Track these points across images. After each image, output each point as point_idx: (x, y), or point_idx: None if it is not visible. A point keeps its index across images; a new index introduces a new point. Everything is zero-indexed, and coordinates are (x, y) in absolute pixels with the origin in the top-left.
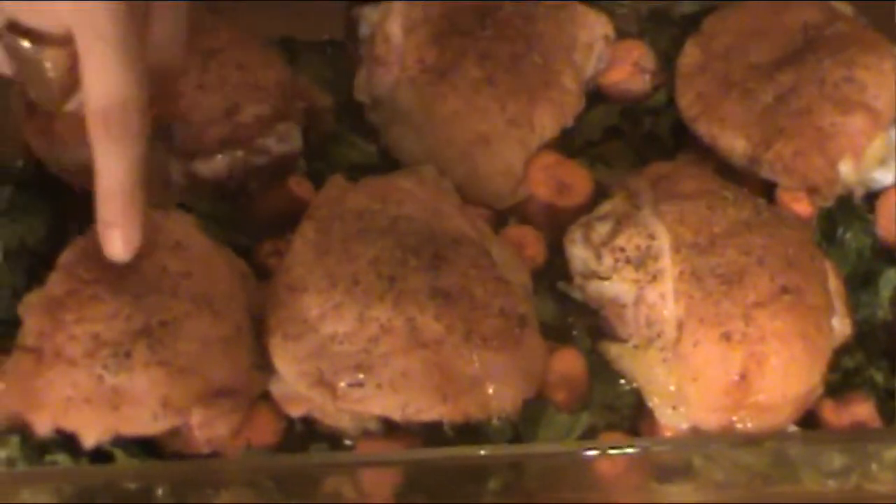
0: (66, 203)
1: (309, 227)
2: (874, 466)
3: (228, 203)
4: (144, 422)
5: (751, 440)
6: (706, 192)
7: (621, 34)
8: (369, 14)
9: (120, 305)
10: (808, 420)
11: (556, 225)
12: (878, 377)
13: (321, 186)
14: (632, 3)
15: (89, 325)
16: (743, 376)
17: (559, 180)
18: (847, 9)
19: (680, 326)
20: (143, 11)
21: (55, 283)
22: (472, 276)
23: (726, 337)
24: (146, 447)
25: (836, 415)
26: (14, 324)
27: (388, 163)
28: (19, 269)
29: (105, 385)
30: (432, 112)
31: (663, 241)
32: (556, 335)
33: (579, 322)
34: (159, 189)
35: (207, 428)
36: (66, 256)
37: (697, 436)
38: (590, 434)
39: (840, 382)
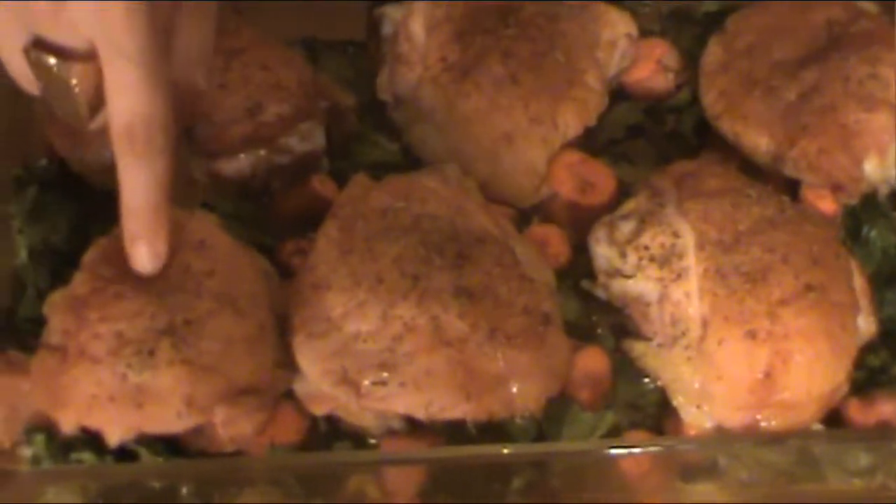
0: (90, 202)
1: (332, 225)
2: None
3: (252, 202)
4: (168, 420)
5: (776, 439)
6: (730, 189)
7: (644, 32)
8: (392, 13)
9: (144, 304)
10: (834, 418)
11: (580, 223)
12: None
13: (344, 185)
14: (655, 2)
15: (113, 324)
16: (768, 374)
17: (583, 179)
18: (871, 6)
19: (704, 324)
20: (166, 27)
21: (79, 282)
22: (496, 274)
23: (751, 335)
24: (170, 445)
25: (862, 413)
26: (39, 322)
27: (411, 161)
28: (43, 268)
29: (129, 383)
30: (455, 110)
31: (688, 239)
32: (580, 333)
33: (603, 320)
34: (183, 189)
35: (231, 426)
36: (89, 255)
37: (722, 434)
38: (614, 433)
39: (865, 381)
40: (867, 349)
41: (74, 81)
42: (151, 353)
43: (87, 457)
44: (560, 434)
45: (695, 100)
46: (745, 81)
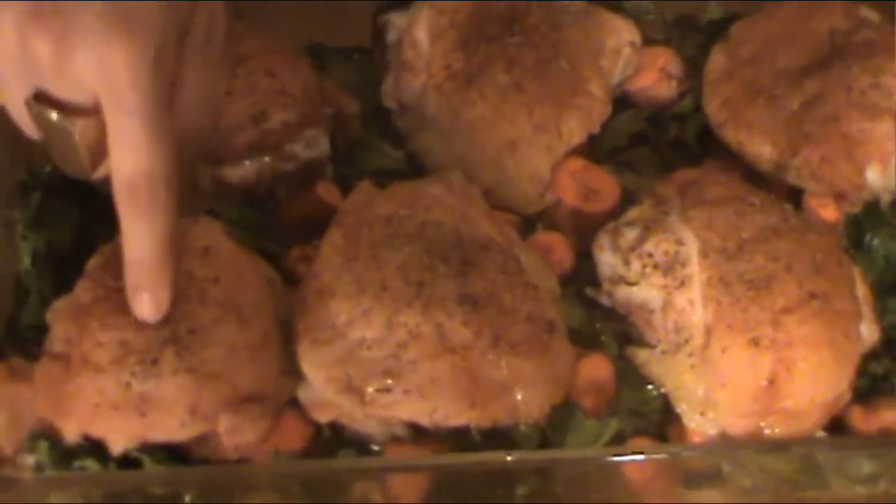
0: (94, 209)
1: (337, 232)
2: None
3: (256, 209)
4: (172, 428)
5: (779, 446)
6: (734, 197)
7: (648, 41)
8: (396, 20)
9: None
10: (837, 426)
11: (584, 231)
12: None
13: (349, 192)
14: (658, 10)
15: (117, 332)
16: (771, 382)
17: (586, 186)
18: (874, 15)
19: (708, 332)
20: (171, 80)
21: (83, 289)
22: (500, 281)
23: (754, 342)
24: (174, 454)
25: (865, 420)
26: (42, 330)
27: (416, 168)
28: (47, 274)
29: (133, 392)
30: (459, 118)
31: (691, 247)
32: (584, 341)
33: (607, 328)
34: (188, 195)
35: (235, 434)
36: (93, 263)
37: (725, 441)
38: (618, 440)
39: (868, 388)
40: (870, 357)
41: (77, 136)
42: (155, 361)
43: (90, 464)
44: (564, 441)
45: (698, 108)
46: (749, 90)
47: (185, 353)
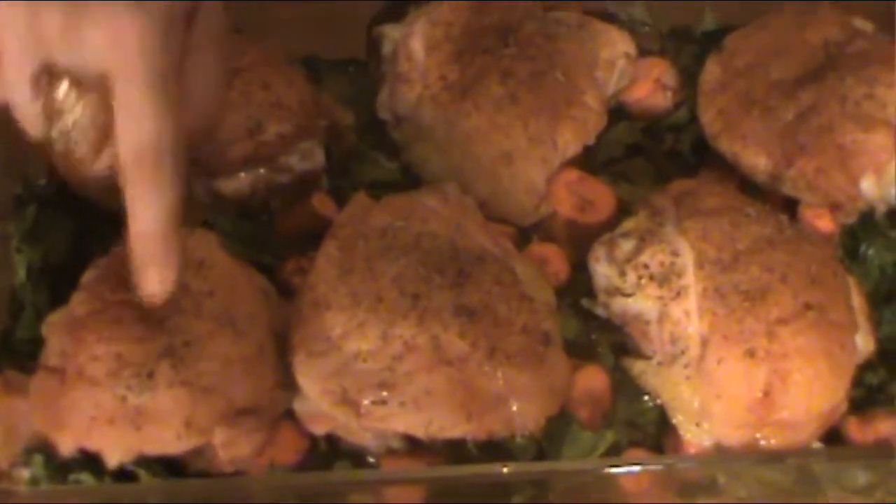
0: (89, 222)
1: (332, 244)
2: None
3: (252, 221)
4: (168, 441)
5: (775, 457)
6: (729, 208)
7: (643, 52)
8: (391, 32)
9: (143, 326)
10: (832, 437)
11: (580, 242)
12: None
13: (344, 204)
14: (653, 21)
15: (112, 346)
16: (767, 393)
17: (582, 197)
18: (868, 26)
19: (704, 343)
20: (179, 52)
21: (78, 302)
22: (496, 293)
23: (750, 354)
24: (170, 467)
25: (860, 431)
26: (37, 343)
27: (411, 180)
28: (42, 287)
29: (128, 405)
30: (455, 129)
31: (687, 258)
32: (579, 352)
33: (603, 339)
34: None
35: (231, 447)
36: (88, 276)
37: (721, 453)
38: (614, 451)
39: (864, 399)
40: (865, 367)
41: (82, 111)
42: (150, 374)
43: (85, 478)
44: (560, 452)
45: (693, 119)
46: (744, 101)
47: (180, 366)
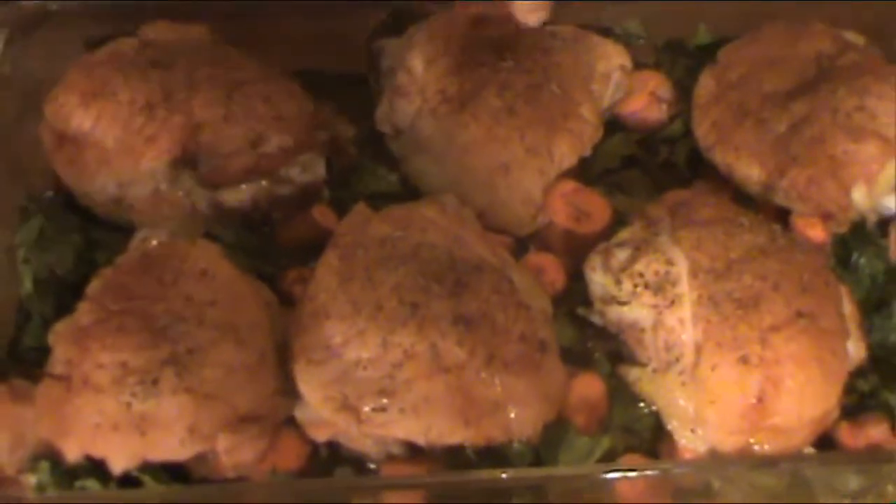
0: (94, 233)
1: (333, 254)
2: (890, 488)
3: (253, 232)
4: (172, 448)
5: (768, 462)
6: (722, 218)
7: (638, 65)
8: (390, 47)
9: (147, 334)
10: (825, 442)
11: (576, 252)
12: (893, 399)
13: (344, 215)
14: (648, 35)
15: (117, 354)
16: (760, 399)
17: (578, 208)
18: (859, 39)
19: (698, 350)
20: None
21: (83, 312)
22: (494, 302)
23: (743, 360)
24: (173, 473)
25: (852, 437)
26: (44, 351)
27: (410, 191)
28: (48, 297)
29: (133, 412)
30: (453, 141)
31: (681, 267)
32: (576, 359)
33: (599, 346)
34: (186, 219)
35: (234, 453)
36: (93, 286)
37: (716, 458)
38: (609, 456)
39: (855, 405)
40: (857, 374)
41: None
42: (155, 382)
43: (91, 484)
44: (557, 458)
45: (688, 131)
46: (737, 113)
47: (184, 374)
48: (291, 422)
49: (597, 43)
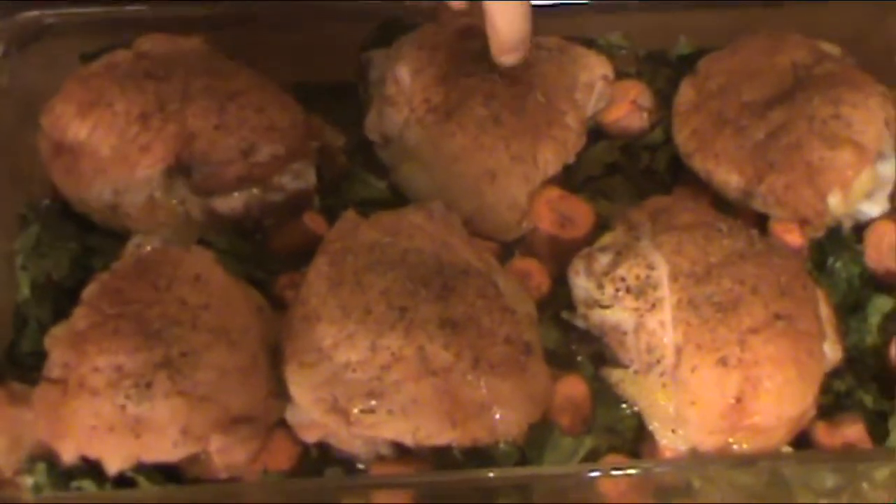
0: (90, 240)
1: (323, 260)
2: (865, 485)
3: (246, 238)
4: (165, 449)
5: (747, 461)
6: (702, 224)
7: (620, 75)
8: (379, 58)
9: (141, 338)
10: (802, 441)
11: (560, 256)
12: (868, 400)
13: (334, 222)
14: (630, 45)
15: (112, 357)
16: (739, 399)
17: (562, 214)
18: (835, 50)
19: (678, 352)
20: None
21: (79, 317)
22: (480, 306)
23: (722, 362)
24: (167, 473)
25: (829, 436)
26: (41, 356)
27: (398, 198)
28: (45, 302)
29: (127, 414)
30: (440, 149)
31: (662, 271)
32: (560, 362)
33: (582, 349)
34: (180, 226)
35: (226, 454)
36: (89, 291)
37: (696, 457)
38: (593, 456)
39: (831, 405)
40: (833, 375)
41: None
42: (149, 385)
43: (87, 485)
44: (542, 458)
45: (668, 138)
46: (716, 121)
47: (177, 377)
48: (283, 423)
49: (580, 54)
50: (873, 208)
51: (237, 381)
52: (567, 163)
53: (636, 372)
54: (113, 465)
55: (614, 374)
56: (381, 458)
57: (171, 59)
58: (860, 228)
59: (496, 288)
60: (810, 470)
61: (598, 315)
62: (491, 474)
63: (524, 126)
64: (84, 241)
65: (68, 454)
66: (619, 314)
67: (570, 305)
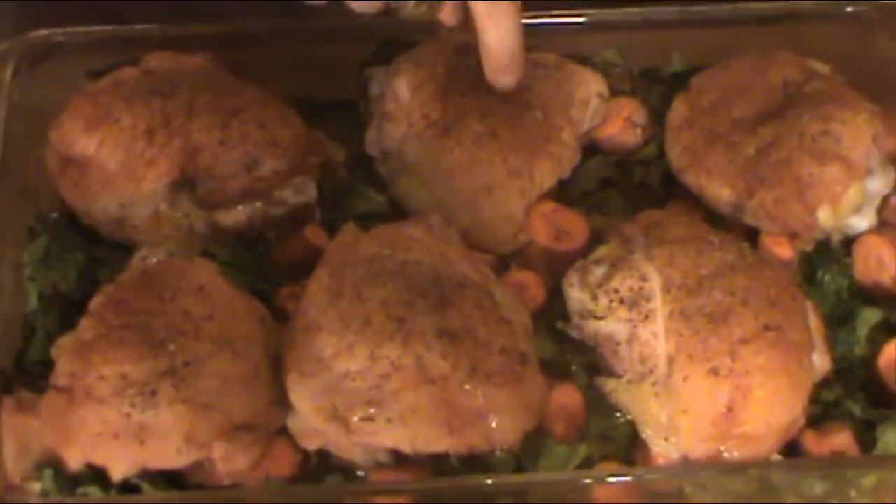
0: (97, 252)
1: (323, 272)
2: (853, 492)
3: (249, 251)
4: (169, 456)
5: (737, 468)
6: (694, 237)
7: (615, 92)
8: (379, 74)
9: (146, 347)
10: (791, 449)
11: (555, 269)
12: (856, 409)
13: (335, 234)
14: (625, 63)
15: (117, 367)
16: (730, 408)
17: (557, 227)
18: (824, 68)
19: (670, 362)
20: None
21: (86, 327)
22: (476, 316)
23: (714, 372)
24: (171, 480)
25: (817, 444)
26: (48, 365)
27: (397, 212)
28: (53, 313)
29: (132, 422)
30: (438, 164)
31: (654, 283)
32: (555, 371)
33: (577, 359)
34: (184, 238)
35: (228, 461)
36: (96, 302)
37: (687, 464)
38: (587, 464)
39: (820, 414)
40: (822, 385)
41: None
42: (153, 393)
43: (92, 491)
44: (536, 465)
45: (662, 154)
46: (708, 137)
47: (181, 385)
48: (284, 431)
49: (576, 71)
50: (861, 222)
51: (240, 390)
52: (562, 177)
53: (629, 381)
54: (118, 472)
55: (608, 384)
56: (379, 465)
57: (177, 77)
58: (849, 242)
59: (493, 299)
60: (799, 477)
61: (592, 326)
62: (490, 480)
63: (521, 141)
64: (91, 252)
65: (74, 461)
66: (612, 325)
67: (565, 316)
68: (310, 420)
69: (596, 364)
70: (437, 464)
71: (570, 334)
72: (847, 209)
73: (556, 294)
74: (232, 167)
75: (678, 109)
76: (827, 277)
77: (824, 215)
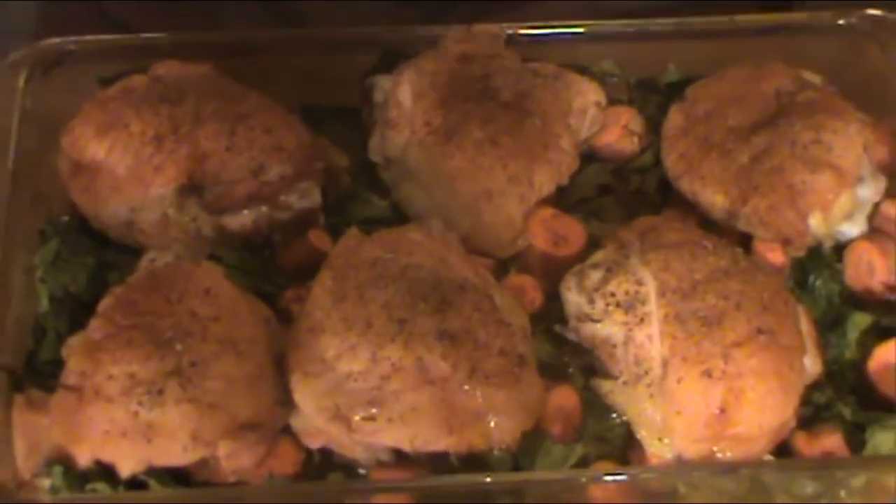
0: (107, 255)
1: (327, 275)
2: (842, 493)
3: (254, 254)
4: (176, 453)
5: (730, 468)
6: (689, 242)
7: (612, 101)
8: (382, 82)
9: (153, 347)
10: (782, 450)
11: (553, 273)
12: (846, 412)
13: (339, 239)
14: (622, 73)
15: (126, 366)
16: (722, 410)
17: (556, 232)
18: (816, 78)
19: (665, 364)
20: None
21: (95, 328)
22: (476, 319)
23: (707, 374)
24: (177, 477)
25: (808, 445)
26: (58, 364)
27: (400, 217)
28: (63, 314)
29: (140, 420)
30: (439, 170)
31: (650, 287)
32: (552, 373)
33: (574, 361)
34: (192, 242)
35: (233, 459)
36: (105, 304)
37: (681, 464)
38: (583, 463)
39: (811, 416)
40: (813, 387)
41: None
42: (160, 392)
43: (101, 487)
44: (534, 464)
45: (658, 162)
46: (703, 145)
47: (187, 385)
48: (288, 430)
49: (574, 80)
50: (852, 229)
51: (244, 390)
52: (561, 184)
53: (625, 383)
54: (125, 469)
55: (604, 385)
56: (380, 464)
57: (184, 84)
58: (840, 248)
59: (492, 302)
60: (790, 477)
61: (588, 329)
62: (489, 479)
63: (520, 148)
64: (100, 255)
65: (83, 458)
66: (608, 328)
67: (563, 319)
68: (313, 419)
69: (592, 366)
70: (437, 462)
71: (567, 337)
72: (838, 216)
73: (553, 297)
74: (238, 172)
75: (674, 118)
76: (818, 283)
77: (816, 222)
